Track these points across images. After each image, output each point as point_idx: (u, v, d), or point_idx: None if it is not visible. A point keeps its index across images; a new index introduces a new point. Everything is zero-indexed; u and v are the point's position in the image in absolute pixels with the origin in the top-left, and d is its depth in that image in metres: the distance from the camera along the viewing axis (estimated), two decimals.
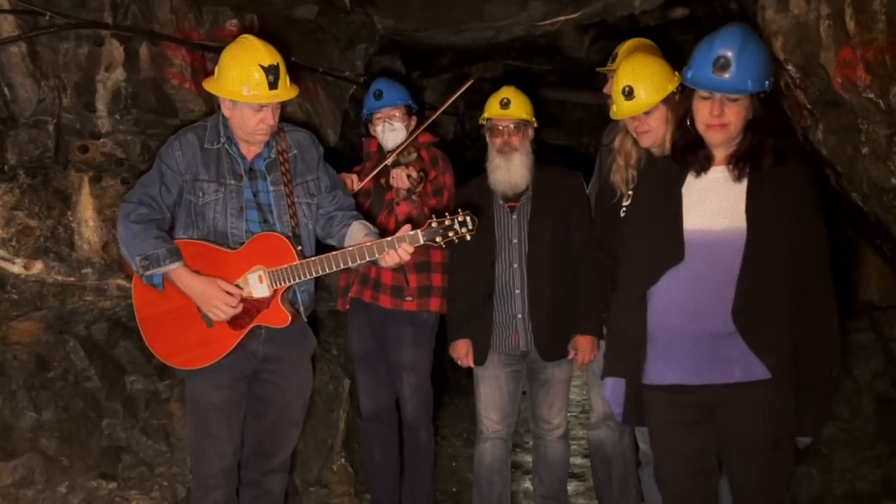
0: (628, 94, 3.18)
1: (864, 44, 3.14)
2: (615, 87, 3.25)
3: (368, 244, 2.96)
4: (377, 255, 2.96)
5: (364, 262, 3.00)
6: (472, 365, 3.86)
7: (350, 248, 2.99)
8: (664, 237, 2.62)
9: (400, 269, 3.80)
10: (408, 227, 2.96)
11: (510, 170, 3.74)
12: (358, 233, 3.13)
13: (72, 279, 3.58)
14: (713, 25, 4.95)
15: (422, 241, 2.93)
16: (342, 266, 2.99)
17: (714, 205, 2.59)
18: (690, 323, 2.58)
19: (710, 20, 5.09)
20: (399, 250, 2.93)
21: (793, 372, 2.51)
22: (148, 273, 2.96)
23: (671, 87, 3.15)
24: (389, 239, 2.94)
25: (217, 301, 2.97)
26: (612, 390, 2.80)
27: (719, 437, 2.61)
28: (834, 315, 2.58)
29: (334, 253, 2.99)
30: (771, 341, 2.51)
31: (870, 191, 3.41)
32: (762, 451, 2.54)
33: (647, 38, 3.85)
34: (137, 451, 3.73)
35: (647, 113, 3.19)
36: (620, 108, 3.24)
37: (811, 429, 2.61)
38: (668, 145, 3.09)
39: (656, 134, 3.20)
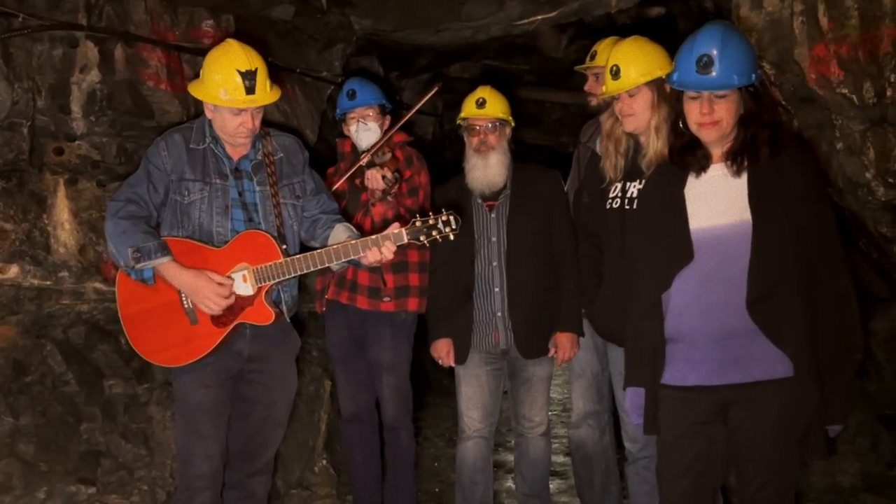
0: (615, 73, 3.17)
1: (838, 40, 3.18)
2: (606, 67, 3.25)
3: (353, 242, 2.98)
4: (361, 253, 2.97)
5: (348, 259, 3.01)
6: (452, 364, 3.86)
7: (335, 246, 3.02)
8: (672, 240, 2.62)
9: (377, 269, 3.80)
10: (397, 224, 2.98)
11: (487, 169, 3.74)
12: (341, 234, 3.15)
13: (48, 283, 3.55)
14: (689, 24, 5.00)
15: (406, 241, 2.95)
16: (326, 264, 3.01)
17: (717, 202, 2.59)
18: (707, 322, 2.57)
19: (685, 19, 5.13)
20: (382, 248, 2.95)
21: (815, 361, 2.48)
22: (139, 266, 2.95)
23: (660, 73, 3.09)
24: (374, 237, 2.96)
25: (208, 292, 2.97)
26: (632, 400, 2.78)
27: (732, 434, 2.60)
28: (851, 296, 2.56)
29: (318, 251, 3.01)
30: (790, 330, 2.48)
31: (845, 186, 3.44)
32: (777, 449, 2.54)
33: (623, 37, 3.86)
34: (117, 456, 3.71)
35: (631, 95, 3.17)
36: (608, 87, 3.23)
37: (840, 416, 2.57)
38: (653, 134, 3.11)
39: (640, 119, 3.18)
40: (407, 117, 4.04)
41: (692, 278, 2.58)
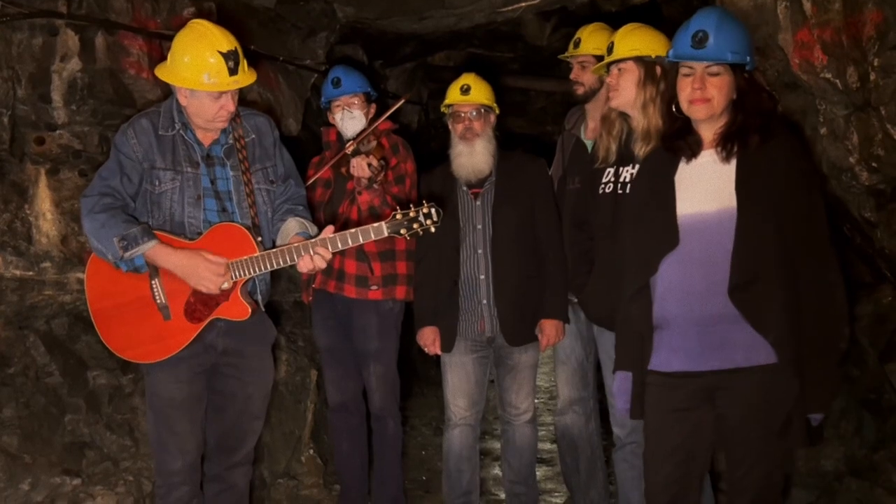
0: (610, 49, 3.26)
1: (821, 25, 3.18)
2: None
3: (296, 245, 2.91)
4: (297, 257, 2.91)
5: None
6: (439, 352, 3.85)
7: (293, 245, 2.93)
8: (659, 225, 2.63)
9: (364, 258, 3.79)
10: (330, 228, 2.92)
11: (473, 155, 3.74)
12: (290, 231, 3.07)
13: (30, 273, 3.51)
14: (673, 11, 4.99)
15: (386, 234, 2.88)
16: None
17: (705, 188, 2.60)
18: (690, 308, 2.58)
19: (670, 6, 5.12)
20: (315, 257, 2.90)
21: (796, 348, 2.49)
22: (128, 255, 2.87)
23: (649, 53, 3.17)
24: (311, 241, 2.90)
25: (205, 272, 2.89)
26: (621, 384, 2.79)
27: (719, 420, 2.61)
28: (837, 285, 2.57)
29: (296, 245, 2.92)
30: (771, 317, 2.49)
31: (829, 171, 3.45)
32: (761, 435, 2.54)
33: (607, 24, 3.87)
34: (101, 447, 3.68)
35: (620, 70, 3.21)
36: (605, 60, 3.30)
37: (821, 404, 2.59)
38: (640, 113, 3.15)
39: (623, 95, 3.22)
40: (392, 110, 4.01)
41: (676, 264, 2.59)
